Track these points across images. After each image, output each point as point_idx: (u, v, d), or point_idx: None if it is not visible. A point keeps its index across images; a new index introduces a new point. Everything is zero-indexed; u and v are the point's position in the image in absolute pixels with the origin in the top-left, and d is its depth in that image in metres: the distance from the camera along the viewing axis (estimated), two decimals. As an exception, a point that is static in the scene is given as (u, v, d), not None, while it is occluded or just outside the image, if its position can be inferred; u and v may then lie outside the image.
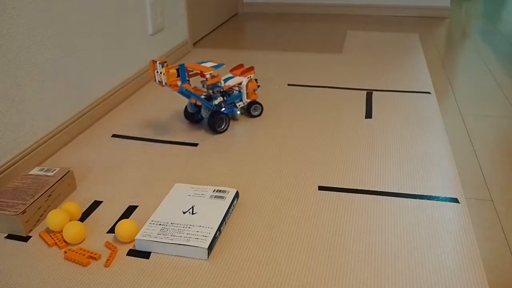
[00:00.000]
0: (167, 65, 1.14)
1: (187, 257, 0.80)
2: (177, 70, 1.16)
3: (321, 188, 1.00)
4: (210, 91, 1.27)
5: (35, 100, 1.11)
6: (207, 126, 1.30)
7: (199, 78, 1.62)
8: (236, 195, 0.95)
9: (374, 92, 1.53)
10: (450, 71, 1.78)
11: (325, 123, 1.31)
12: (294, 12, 2.87)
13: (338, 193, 0.98)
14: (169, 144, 1.21)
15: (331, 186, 1.01)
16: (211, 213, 0.88)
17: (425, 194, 0.97)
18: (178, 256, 0.81)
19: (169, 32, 1.85)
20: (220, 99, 1.27)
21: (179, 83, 1.17)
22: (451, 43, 2.17)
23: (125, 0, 1.49)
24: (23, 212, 0.86)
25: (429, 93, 1.51)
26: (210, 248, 0.81)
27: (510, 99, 1.50)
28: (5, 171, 1.02)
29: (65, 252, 0.81)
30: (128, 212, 0.94)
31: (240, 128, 1.29)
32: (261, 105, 1.35)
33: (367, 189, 0.99)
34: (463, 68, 1.81)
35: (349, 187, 1.00)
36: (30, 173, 0.99)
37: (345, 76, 1.69)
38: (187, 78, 1.19)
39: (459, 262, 0.78)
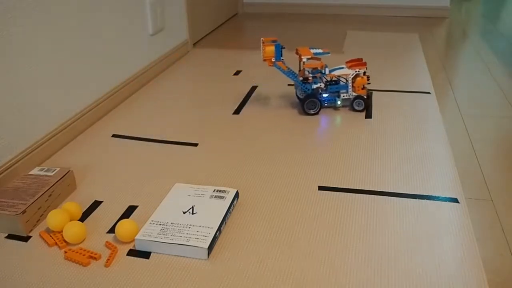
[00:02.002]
0: (262, 42, 1.32)
1: (187, 257, 0.80)
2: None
3: (321, 188, 1.00)
4: (309, 75, 1.35)
5: (35, 100, 1.11)
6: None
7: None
8: (236, 195, 0.95)
9: (374, 92, 1.53)
10: (450, 71, 1.78)
11: (325, 123, 1.31)
12: (294, 12, 2.87)
13: (338, 193, 0.98)
14: (169, 144, 1.21)
15: (331, 186, 1.01)
16: (211, 213, 0.88)
17: (425, 194, 0.97)
18: (178, 256, 0.81)
19: (169, 32, 1.85)
20: (319, 84, 1.35)
21: (273, 59, 1.32)
22: (451, 43, 2.17)
23: (125, 0, 1.49)
24: (23, 212, 0.86)
25: (429, 93, 1.51)
26: (210, 248, 0.81)
27: (510, 99, 1.50)
28: (5, 171, 1.02)
29: (65, 252, 0.81)
30: (128, 212, 0.94)
31: (239, 127, 1.29)
32: (364, 101, 1.35)
33: (367, 189, 0.99)
34: (463, 68, 1.81)
35: (349, 187, 1.00)
36: (30, 173, 0.99)
37: (345, 76, 1.69)
38: (282, 57, 1.33)
39: (459, 262, 0.78)
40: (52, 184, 0.94)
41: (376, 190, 0.99)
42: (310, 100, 1.34)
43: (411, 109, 1.39)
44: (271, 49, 1.32)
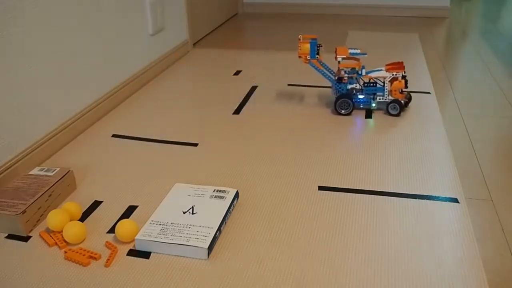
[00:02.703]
0: (299, 39, 1.33)
1: (187, 257, 0.80)
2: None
3: (321, 188, 1.00)
4: (345, 75, 1.35)
5: (35, 100, 1.11)
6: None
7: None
8: (236, 195, 0.95)
9: (374, 92, 1.53)
10: (450, 71, 1.78)
11: (325, 123, 1.31)
12: (294, 12, 2.87)
13: (338, 193, 0.98)
14: (169, 144, 1.21)
15: (331, 186, 1.01)
16: (211, 213, 0.88)
17: (425, 194, 0.97)
18: (178, 256, 0.81)
19: (169, 32, 1.85)
20: (355, 85, 1.35)
21: (308, 57, 1.33)
22: (451, 43, 2.17)
23: (125, 0, 1.49)
24: (23, 212, 0.86)
25: (429, 93, 1.51)
26: (210, 248, 0.81)
27: (510, 99, 1.50)
28: (5, 171, 1.02)
29: (65, 252, 0.81)
30: (128, 212, 0.94)
31: (239, 127, 1.29)
32: (400, 105, 1.33)
33: (367, 189, 0.99)
34: (463, 68, 1.81)
35: (349, 187, 1.00)
36: (30, 173, 0.99)
37: (345, 76, 1.69)
38: (317, 55, 1.33)
39: (459, 262, 0.78)
40: (52, 184, 0.94)
41: (376, 190, 0.99)
42: (343, 100, 1.34)
43: (411, 109, 1.39)
44: (306, 46, 1.32)
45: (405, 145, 1.18)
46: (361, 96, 1.36)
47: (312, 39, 1.33)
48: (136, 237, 0.82)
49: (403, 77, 1.33)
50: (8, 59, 1.02)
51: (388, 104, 1.34)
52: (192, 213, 0.88)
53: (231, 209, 0.92)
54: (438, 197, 0.96)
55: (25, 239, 0.86)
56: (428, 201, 0.95)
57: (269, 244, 0.83)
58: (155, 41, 1.73)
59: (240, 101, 1.49)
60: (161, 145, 1.21)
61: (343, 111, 1.35)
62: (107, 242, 0.84)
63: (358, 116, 1.35)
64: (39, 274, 0.77)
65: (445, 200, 0.95)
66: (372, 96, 1.36)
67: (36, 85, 1.11)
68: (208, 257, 0.80)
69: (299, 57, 1.35)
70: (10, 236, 0.87)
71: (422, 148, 1.16)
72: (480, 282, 0.73)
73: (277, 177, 1.05)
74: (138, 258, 0.81)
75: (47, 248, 0.84)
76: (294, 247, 0.82)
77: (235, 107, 1.44)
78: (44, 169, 1.00)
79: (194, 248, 0.80)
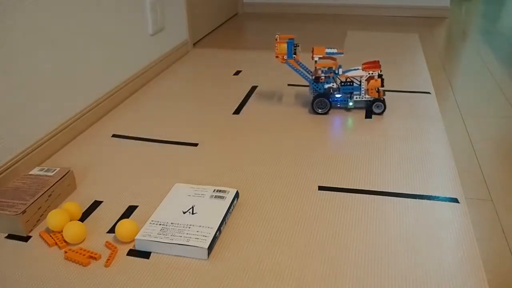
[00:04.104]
0: (276, 39, 1.33)
1: (187, 257, 0.80)
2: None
3: (321, 188, 1.00)
4: (322, 74, 1.34)
5: (35, 100, 1.11)
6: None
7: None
8: (236, 195, 0.95)
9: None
10: (450, 71, 1.78)
11: (325, 122, 1.31)
12: (294, 12, 2.87)
13: (338, 193, 0.98)
14: (169, 144, 1.21)
15: (331, 186, 1.01)
16: (211, 213, 0.88)
17: (425, 194, 0.97)
18: (178, 256, 0.81)
19: (169, 32, 1.85)
20: (332, 84, 1.35)
21: (286, 57, 1.33)
22: (451, 43, 2.17)
23: (125, 0, 1.49)
24: (23, 212, 0.86)
25: (429, 93, 1.51)
26: (210, 248, 0.81)
27: (510, 99, 1.50)
28: (5, 171, 1.02)
29: (65, 252, 0.81)
30: (128, 212, 0.94)
31: (239, 127, 1.29)
32: (384, 103, 1.34)
33: (367, 189, 0.99)
34: (463, 68, 1.81)
35: (349, 187, 1.00)
36: (30, 173, 0.99)
37: (345, 76, 1.69)
38: (294, 55, 1.33)
39: (459, 262, 0.78)
40: (52, 184, 0.94)
41: (376, 190, 0.99)
42: (319, 100, 1.34)
43: (411, 109, 1.39)
44: (283, 46, 1.32)
45: (405, 145, 1.18)
46: (338, 95, 1.36)
47: (289, 39, 1.33)
48: (136, 237, 0.82)
49: (380, 75, 1.34)
50: (8, 59, 1.02)
51: (372, 103, 1.35)
52: (192, 213, 0.88)
53: (231, 209, 0.92)
54: (438, 197, 0.96)
55: (25, 239, 0.86)
56: (428, 201, 0.95)
57: (269, 244, 0.83)
58: (155, 41, 1.73)
59: (240, 101, 1.49)
60: (161, 145, 1.21)
61: (319, 110, 1.36)
62: (107, 242, 0.84)
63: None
64: (39, 274, 0.77)
65: (445, 200, 0.95)
66: (349, 95, 1.37)
67: (36, 85, 1.11)
68: (208, 257, 0.80)
69: (276, 57, 1.35)
70: (10, 236, 0.87)
71: (422, 148, 1.16)
72: (480, 282, 0.73)
73: (277, 177, 1.05)
74: (138, 258, 0.81)
75: (47, 248, 0.84)
76: (294, 247, 0.82)
77: (235, 107, 1.44)
78: (44, 169, 1.00)
79: (194, 248, 0.80)
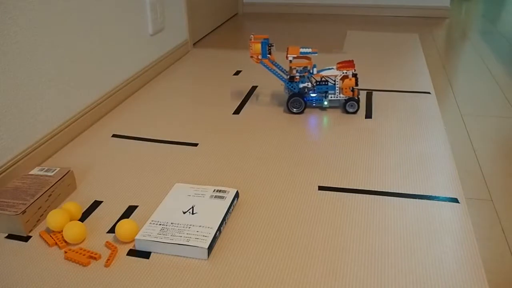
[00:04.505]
0: (250, 39, 1.33)
1: (187, 257, 0.81)
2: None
3: (321, 188, 1.00)
4: (296, 74, 1.35)
5: (35, 100, 1.11)
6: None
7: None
8: (236, 195, 0.95)
9: (374, 92, 1.53)
10: (450, 71, 1.78)
11: (328, 123, 1.31)
12: (294, 12, 2.87)
13: (338, 193, 0.98)
14: (169, 144, 1.21)
15: (331, 186, 1.01)
16: (211, 213, 0.88)
17: (425, 194, 0.97)
18: (178, 256, 0.81)
19: (169, 32, 1.85)
20: (307, 84, 1.35)
21: (260, 57, 1.33)
22: (451, 43, 2.17)
23: (125, 0, 1.49)
24: (23, 212, 0.86)
25: (429, 93, 1.51)
26: (210, 248, 0.81)
27: (510, 99, 1.50)
28: (5, 171, 1.02)
29: (65, 252, 0.81)
30: (128, 212, 0.94)
31: (239, 127, 1.29)
32: (357, 102, 1.35)
33: (367, 189, 0.99)
34: (463, 68, 1.81)
35: (349, 187, 1.00)
36: (30, 173, 0.99)
37: (345, 76, 1.69)
38: (268, 55, 1.33)
39: (459, 262, 0.78)
40: (52, 184, 0.94)
41: (376, 190, 0.99)
42: (294, 99, 1.35)
43: (411, 109, 1.39)
44: (257, 46, 1.32)
45: (405, 145, 1.18)
46: (313, 95, 1.37)
47: (264, 39, 1.34)
48: (136, 237, 0.82)
49: (354, 75, 1.34)
50: (8, 59, 1.02)
51: (345, 102, 1.35)
52: (192, 213, 0.88)
53: (231, 209, 0.92)
54: (438, 197, 0.96)
55: (25, 239, 0.86)
56: (428, 201, 0.95)
57: (269, 244, 0.83)
58: (155, 41, 1.73)
59: (240, 101, 1.49)
60: (161, 145, 1.21)
61: (294, 109, 1.37)
62: (107, 242, 0.84)
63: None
64: (39, 274, 0.77)
65: (445, 200, 0.95)
66: (324, 95, 1.37)
67: (36, 85, 1.11)
68: (208, 257, 0.80)
69: (251, 57, 1.35)
70: (10, 236, 0.87)
71: (422, 148, 1.16)
72: (480, 282, 0.73)
73: (277, 177, 1.05)
74: (138, 258, 0.81)
75: (47, 248, 0.84)
76: (294, 247, 0.82)
77: (235, 107, 1.44)
78: (44, 169, 1.00)
79: (194, 248, 0.80)
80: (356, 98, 1.35)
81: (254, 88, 1.60)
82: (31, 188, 0.93)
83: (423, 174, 1.05)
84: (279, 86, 1.60)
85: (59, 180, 0.96)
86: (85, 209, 0.95)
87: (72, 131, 1.25)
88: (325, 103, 1.38)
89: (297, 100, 1.35)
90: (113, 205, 0.96)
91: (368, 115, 1.36)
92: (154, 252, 0.82)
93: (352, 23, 2.57)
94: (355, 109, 1.36)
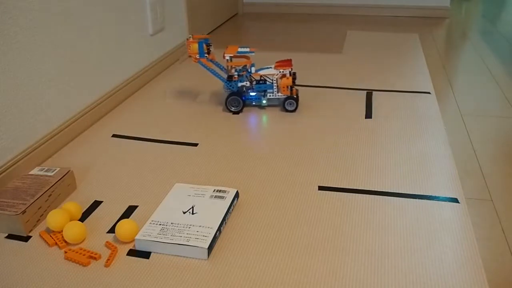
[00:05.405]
0: (187, 39, 1.34)
1: (187, 257, 0.81)
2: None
3: (321, 188, 1.00)
4: (235, 73, 1.37)
5: (35, 100, 1.11)
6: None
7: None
8: (236, 195, 0.95)
9: (374, 92, 1.53)
10: (450, 71, 1.78)
11: (325, 123, 1.31)
12: (294, 12, 2.87)
13: (338, 193, 0.98)
14: (169, 144, 1.21)
15: (331, 186, 1.01)
16: (211, 213, 0.88)
17: (425, 194, 0.97)
18: (178, 256, 0.81)
19: (169, 32, 1.85)
20: (245, 83, 1.37)
21: (198, 56, 1.34)
22: (451, 43, 2.17)
23: (125, 0, 1.49)
24: (23, 212, 0.86)
25: (429, 93, 1.51)
26: (210, 248, 0.81)
27: (510, 99, 1.50)
28: (5, 171, 1.02)
29: (65, 252, 0.81)
30: (128, 212, 0.94)
31: (239, 127, 1.29)
32: (296, 101, 1.36)
33: (367, 189, 0.99)
34: (463, 68, 1.81)
35: (349, 187, 1.00)
36: (30, 173, 0.99)
37: (345, 76, 1.69)
38: (206, 54, 1.35)
39: (459, 262, 0.78)
40: (52, 184, 0.94)
41: (376, 190, 0.99)
42: (232, 98, 1.37)
43: (411, 109, 1.39)
44: (195, 46, 1.34)
45: (405, 145, 1.18)
46: (252, 94, 1.39)
47: (202, 39, 1.34)
48: (136, 237, 0.82)
49: (292, 73, 1.35)
50: (8, 59, 1.02)
51: (284, 100, 1.37)
52: (192, 213, 0.88)
53: (231, 209, 0.92)
54: (438, 197, 0.96)
55: (25, 239, 0.86)
56: (428, 201, 0.95)
57: (269, 244, 0.83)
58: (155, 41, 1.73)
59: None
60: (161, 145, 1.21)
61: (233, 108, 1.39)
62: (107, 242, 0.84)
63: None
64: (39, 274, 0.77)
65: (445, 200, 0.95)
66: (263, 93, 1.39)
67: (36, 85, 1.11)
68: (208, 257, 0.80)
69: (189, 56, 1.38)
70: (10, 236, 0.87)
71: (422, 148, 1.16)
72: (480, 282, 0.73)
73: (277, 177, 1.05)
74: (138, 258, 0.81)
75: (47, 248, 0.84)
76: (294, 247, 0.82)
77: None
78: (44, 169, 1.00)
79: (194, 248, 0.80)
80: (295, 96, 1.37)
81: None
82: (31, 188, 0.93)
83: (423, 174, 1.05)
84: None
85: (59, 180, 0.96)
86: (85, 209, 0.95)
87: (72, 131, 1.25)
88: (264, 101, 1.40)
89: (235, 99, 1.37)
90: (113, 205, 0.96)
91: (368, 115, 1.36)
92: (154, 252, 0.82)
93: (352, 23, 2.57)
94: (294, 107, 1.37)
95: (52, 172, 0.99)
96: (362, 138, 1.22)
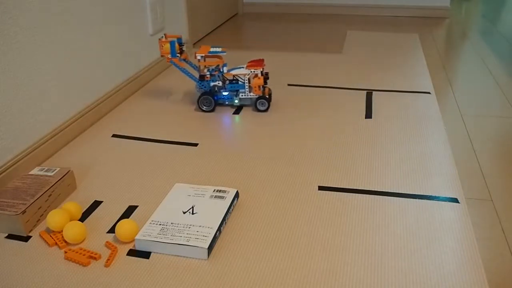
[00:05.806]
0: (159, 39, 1.35)
1: (187, 257, 0.81)
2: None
3: (321, 188, 1.00)
4: (207, 73, 1.37)
5: (35, 100, 1.11)
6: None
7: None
8: (236, 195, 0.95)
9: (374, 92, 1.53)
10: (450, 71, 1.78)
11: (325, 123, 1.31)
12: (294, 12, 2.87)
13: (338, 193, 0.98)
14: (169, 144, 1.21)
15: (331, 186, 1.01)
16: (211, 213, 0.88)
17: (425, 194, 0.97)
18: (178, 256, 0.81)
19: (169, 32, 1.85)
20: (217, 83, 1.37)
21: (170, 56, 1.35)
22: (451, 43, 2.17)
23: (125, 0, 1.49)
24: (23, 212, 0.86)
25: (429, 93, 1.51)
26: (210, 248, 0.81)
27: (510, 99, 1.50)
28: (5, 171, 1.02)
29: (65, 252, 0.81)
30: (128, 212, 0.94)
31: (239, 127, 1.29)
32: (267, 100, 1.37)
33: (367, 189, 0.99)
34: (463, 68, 1.81)
35: (349, 187, 1.00)
36: (30, 173, 0.99)
37: (345, 76, 1.69)
38: (178, 54, 1.36)
39: (459, 262, 0.78)
40: (52, 184, 0.94)
41: (376, 190, 0.99)
42: (204, 97, 1.38)
43: (411, 109, 1.39)
44: (167, 46, 1.35)
45: (405, 145, 1.18)
46: (225, 93, 1.39)
47: (175, 38, 1.35)
48: (136, 237, 0.82)
49: (263, 73, 1.36)
50: (8, 59, 1.02)
51: (256, 100, 1.37)
52: (192, 213, 0.88)
53: (231, 209, 0.92)
54: (438, 197, 0.96)
55: (25, 239, 0.86)
56: (428, 201, 0.95)
57: (269, 244, 0.83)
58: (155, 41, 1.73)
59: (240, 101, 1.49)
60: (161, 145, 1.21)
61: (205, 107, 1.39)
62: (107, 242, 0.84)
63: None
64: (39, 274, 0.77)
65: (445, 200, 0.95)
66: (235, 93, 1.40)
67: (36, 85, 1.11)
68: (208, 257, 0.80)
69: (162, 56, 1.38)
70: (10, 236, 0.87)
71: (422, 148, 1.16)
72: (480, 282, 0.73)
73: (277, 177, 1.05)
74: (138, 258, 0.81)
75: (47, 248, 0.84)
76: (294, 247, 0.82)
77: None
78: (44, 169, 1.00)
79: (194, 248, 0.80)
80: (267, 96, 1.37)
81: (254, 88, 1.60)
82: (31, 188, 0.93)
83: (423, 174, 1.05)
84: (279, 86, 1.60)
85: (59, 180, 0.96)
86: (85, 209, 0.95)
87: (72, 131, 1.25)
88: (236, 101, 1.40)
89: (207, 99, 1.38)
90: (113, 205, 0.96)
91: (368, 115, 1.36)
92: (154, 252, 0.82)
93: (352, 23, 2.57)
94: (265, 107, 1.38)
95: (52, 172, 0.99)
96: (362, 138, 1.22)
